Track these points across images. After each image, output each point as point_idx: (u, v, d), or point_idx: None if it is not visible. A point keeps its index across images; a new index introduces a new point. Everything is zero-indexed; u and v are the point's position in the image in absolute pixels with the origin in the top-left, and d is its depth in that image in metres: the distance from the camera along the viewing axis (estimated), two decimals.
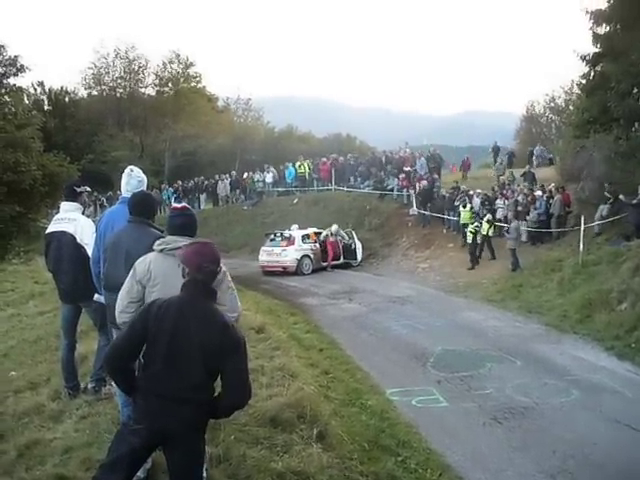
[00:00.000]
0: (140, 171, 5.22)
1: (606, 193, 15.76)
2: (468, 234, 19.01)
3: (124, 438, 3.21)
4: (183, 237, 3.92)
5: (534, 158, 27.36)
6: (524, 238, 18.29)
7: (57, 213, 6.46)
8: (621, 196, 15.20)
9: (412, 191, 24.43)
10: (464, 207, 20.19)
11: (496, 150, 31.23)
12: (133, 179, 5.10)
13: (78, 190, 6.25)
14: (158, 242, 3.96)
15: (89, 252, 5.65)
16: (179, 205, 4.35)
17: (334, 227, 22.31)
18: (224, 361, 3.19)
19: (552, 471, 5.82)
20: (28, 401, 5.99)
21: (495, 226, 19.05)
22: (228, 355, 3.19)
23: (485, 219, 19.27)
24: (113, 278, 4.37)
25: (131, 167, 5.26)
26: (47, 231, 6.24)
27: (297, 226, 22.62)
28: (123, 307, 3.89)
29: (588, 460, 6.04)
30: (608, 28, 17.86)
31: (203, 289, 3.30)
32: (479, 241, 18.91)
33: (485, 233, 18.95)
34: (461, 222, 20.20)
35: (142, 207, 4.59)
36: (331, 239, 21.86)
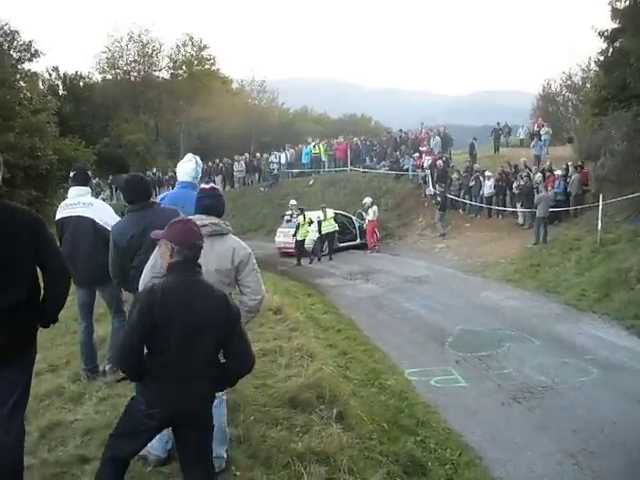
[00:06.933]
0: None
1: None
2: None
3: (139, 418, 3.23)
4: (210, 217, 3.93)
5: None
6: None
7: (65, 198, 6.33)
8: None
9: (428, 171, 24.15)
10: (308, 223, 20.07)
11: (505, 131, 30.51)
12: (199, 166, 5.32)
13: (90, 174, 6.28)
14: None
15: None
16: (207, 186, 4.32)
17: (368, 200, 21.48)
18: (230, 331, 3.25)
19: (572, 450, 5.79)
20: (49, 383, 6.04)
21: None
22: (233, 325, 3.26)
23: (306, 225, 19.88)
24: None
25: (191, 155, 5.44)
26: (59, 216, 6.04)
27: (295, 202, 23.25)
28: (146, 283, 3.85)
29: (609, 439, 6.00)
30: (627, 2, 17.50)
31: (195, 266, 3.30)
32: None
33: (301, 238, 19.71)
34: (298, 237, 19.82)
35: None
36: (371, 217, 20.95)
